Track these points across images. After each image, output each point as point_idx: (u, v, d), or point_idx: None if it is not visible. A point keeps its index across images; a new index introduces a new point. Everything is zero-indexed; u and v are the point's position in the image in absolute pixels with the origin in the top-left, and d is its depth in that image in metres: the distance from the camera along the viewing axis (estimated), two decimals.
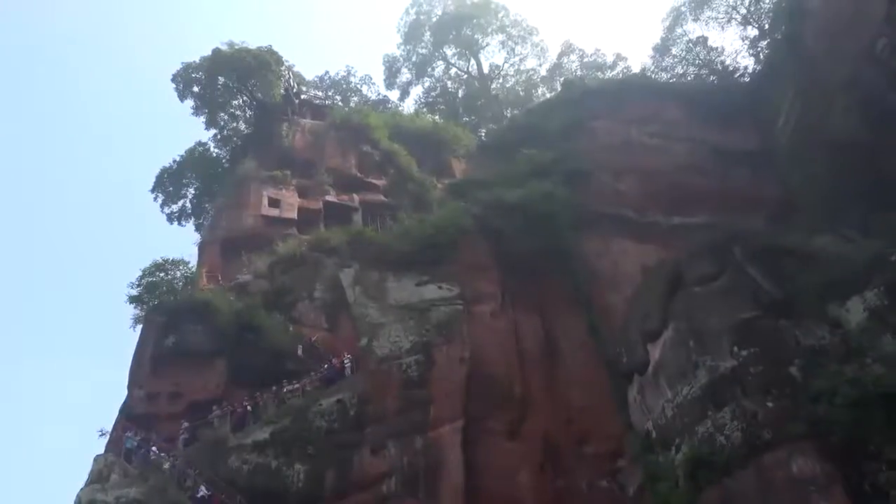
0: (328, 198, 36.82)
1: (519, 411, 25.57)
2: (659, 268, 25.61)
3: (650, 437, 22.58)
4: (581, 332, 28.48)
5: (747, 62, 41.83)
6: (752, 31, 42.25)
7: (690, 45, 45.13)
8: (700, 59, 44.46)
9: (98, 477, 23.80)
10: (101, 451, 25.53)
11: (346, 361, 26.42)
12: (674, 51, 45.60)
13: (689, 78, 43.62)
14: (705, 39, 44.99)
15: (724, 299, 21.88)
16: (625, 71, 53.36)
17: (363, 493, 23.08)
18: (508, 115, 53.74)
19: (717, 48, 44.61)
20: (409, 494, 23.03)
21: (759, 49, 40.62)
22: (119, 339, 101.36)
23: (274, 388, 25.94)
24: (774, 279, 21.96)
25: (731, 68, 42.56)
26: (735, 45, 53.96)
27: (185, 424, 25.44)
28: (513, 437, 25.11)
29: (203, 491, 22.55)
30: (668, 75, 44.64)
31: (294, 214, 35.43)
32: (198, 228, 43.27)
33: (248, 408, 25.39)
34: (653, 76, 44.35)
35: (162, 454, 24.31)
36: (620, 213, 31.49)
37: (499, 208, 29.73)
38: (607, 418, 25.75)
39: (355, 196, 37.47)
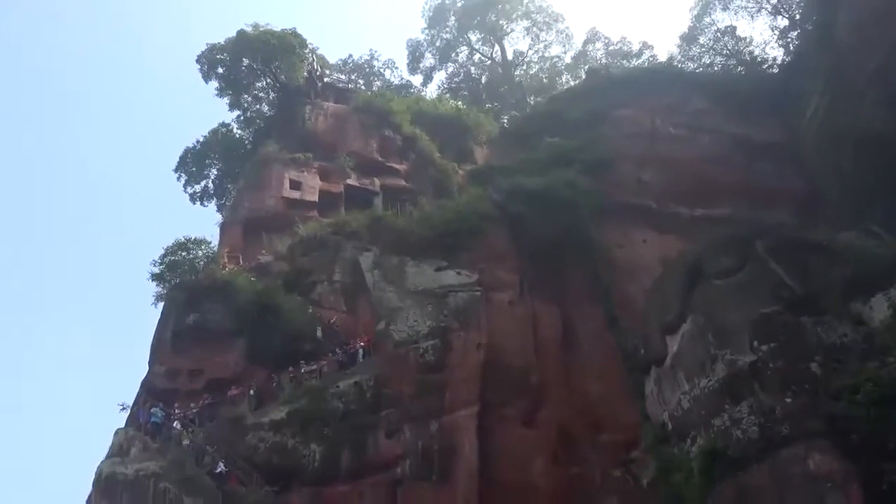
0: (349, 181, 36.92)
1: (534, 399, 25.62)
2: (679, 260, 25.39)
3: (666, 429, 22.53)
4: (599, 323, 28.43)
5: (776, 53, 41.26)
6: (783, 22, 41.59)
7: (718, 34, 44.50)
8: (728, 49, 43.82)
9: (118, 450, 24.30)
10: (122, 424, 26.03)
11: (359, 347, 26.56)
12: (701, 40, 44.98)
13: (716, 68, 43.04)
14: (734, 29, 44.38)
15: (745, 293, 21.67)
16: (651, 60, 52.74)
17: (378, 475, 23.32)
18: (531, 102, 53.40)
19: (745, 38, 44.01)
20: (423, 478, 23.22)
21: (788, 40, 39.98)
22: (141, 314, 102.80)
23: (291, 369, 26.18)
24: (797, 274, 21.69)
25: (759, 59, 41.95)
26: (764, 36, 53.27)
27: (201, 402, 25.76)
28: (528, 425, 25.20)
29: (221, 467, 22.92)
30: (695, 65, 44.07)
31: (315, 197, 35.58)
32: (220, 209, 43.63)
33: (252, 392, 25.54)
34: (679, 66, 43.82)
35: (182, 430, 24.68)
36: (642, 204, 31.27)
37: (520, 196, 29.63)
38: (623, 409, 25.73)
39: (376, 180, 37.54)
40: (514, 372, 25.66)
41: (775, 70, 38.87)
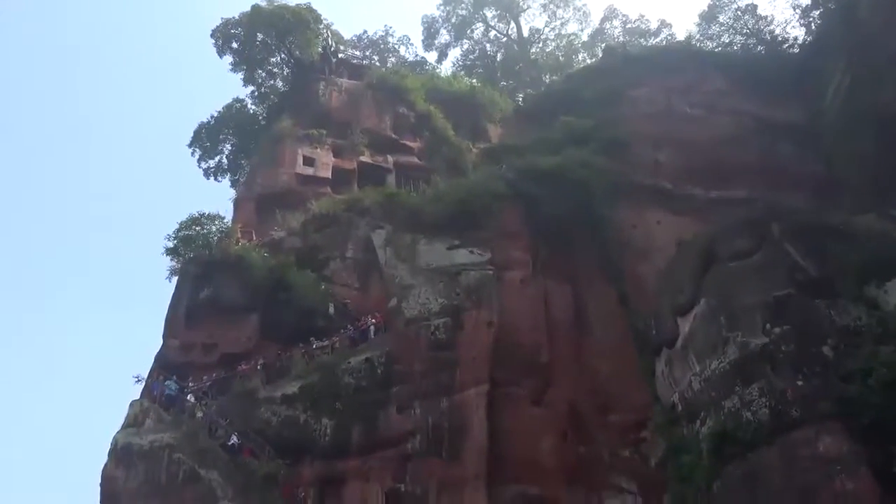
0: (362, 158, 36.86)
1: (544, 378, 25.70)
2: (694, 241, 25.25)
3: (676, 410, 22.58)
4: (611, 303, 28.39)
5: (797, 33, 40.42)
6: (805, 0, 40.71)
7: (738, 13, 43.69)
8: (748, 28, 43.04)
9: (133, 421, 24.68)
10: (137, 396, 26.38)
11: (370, 324, 26.69)
12: (721, 18, 44.19)
13: (735, 47, 42.32)
14: (754, 7, 43.51)
15: (759, 276, 21.56)
16: (669, 38, 52.00)
17: (388, 450, 23.57)
18: (547, 80, 52.90)
19: (766, 17, 43.11)
20: (432, 454, 23.46)
21: (810, 19, 39.14)
22: (156, 288, 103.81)
23: (302, 345, 26.37)
24: (812, 257, 21.54)
25: (780, 38, 41.15)
26: (785, 15, 52.12)
27: (215, 376, 26.06)
28: (537, 404, 25.30)
29: (234, 440, 23.23)
30: (714, 44, 43.35)
31: (328, 174, 35.58)
32: (233, 184, 43.76)
33: (260, 366, 25.74)
34: (698, 45, 43.12)
35: (196, 402, 25.00)
36: (657, 185, 31.01)
37: (534, 175, 29.48)
38: (633, 389, 25.78)
39: (389, 157, 37.45)
40: (524, 351, 25.72)
41: (796, 50, 38.19)
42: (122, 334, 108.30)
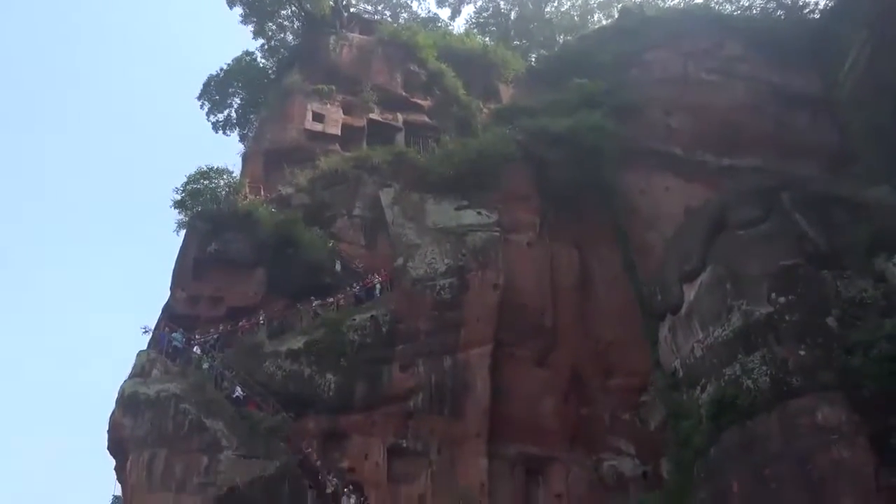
0: (372, 116, 36.45)
1: (548, 340, 25.90)
2: (703, 208, 25.17)
3: (677, 376, 22.81)
4: (616, 268, 28.47)
5: None
6: None
7: None
8: None
9: (140, 371, 24.98)
10: (144, 346, 26.68)
11: (376, 282, 26.81)
12: None
13: (754, 11, 41.31)
14: None
15: (767, 245, 21.54)
16: (687, 0, 50.80)
17: (391, 407, 23.89)
18: (561, 41, 51.89)
19: None
20: (434, 411, 23.80)
21: None
22: (164, 239, 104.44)
23: (311, 299, 26.49)
24: (821, 228, 21.48)
25: (800, 3, 40.16)
26: None
27: (221, 329, 26.28)
28: (540, 365, 25.57)
29: (238, 392, 23.53)
30: (733, 7, 42.34)
31: (337, 130, 35.22)
32: (242, 139, 43.44)
33: (262, 320, 26.00)
34: (716, 7, 42.18)
35: (203, 354, 25.27)
36: (669, 151, 30.78)
37: (544, 137, 29.23)
38: (635, 354, 26.02)
39: (399, 115, 37.01)
40: (529, 313, 25.87)
41: (816, 16, 37.31)
42: (131, 284, 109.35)
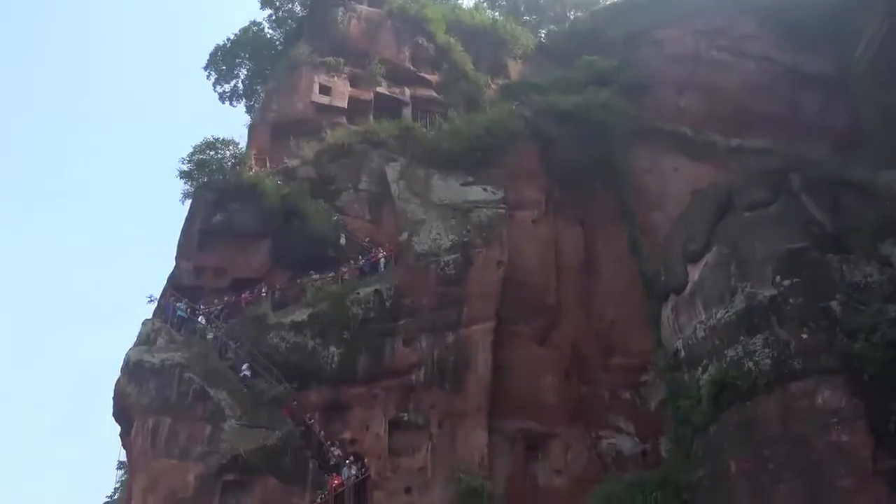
0: (379, 89, 36.20)
1: (550, 318, 25.97)
2: (710, 189, 25.06)
3: (678, 356, 22.86)
4: (621, 248, 28.42)
5: None
6: None
7: None
8: None
9: (146, 339, 25.16)
10: (150, 315, 26.84)
11: (381, 257, 26.84)
12: None
13: None
14: None
15: (774, 227, 21.47)
16: None
17: (393, 380, 24.07)
18: (571, 16, 51.26)
19: None
20: (436, 386, 23.97)
21: None
22: (170, 210, 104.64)
23: (313, 273, 26.56)
24: (829, 211, 21.40)
25: None
26: None
27: (226, 300, 26.40)
28: (542, 343, 25.67)
29: (245, 371, 23.66)
30: None
31: (344, 103, 35.03)
32: (248, 110, 43.22)
33: (263, 292, 26.07)
34: None
35: (207, 325, 25.41)
36: (678, 130, 30.53)
37: (552, 114, 29.03)
38: (637, 334, 26.09)
39: (406, 90, 36.75)
40: (532, 291, 25.90)
41: None
42: (137, 254, 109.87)
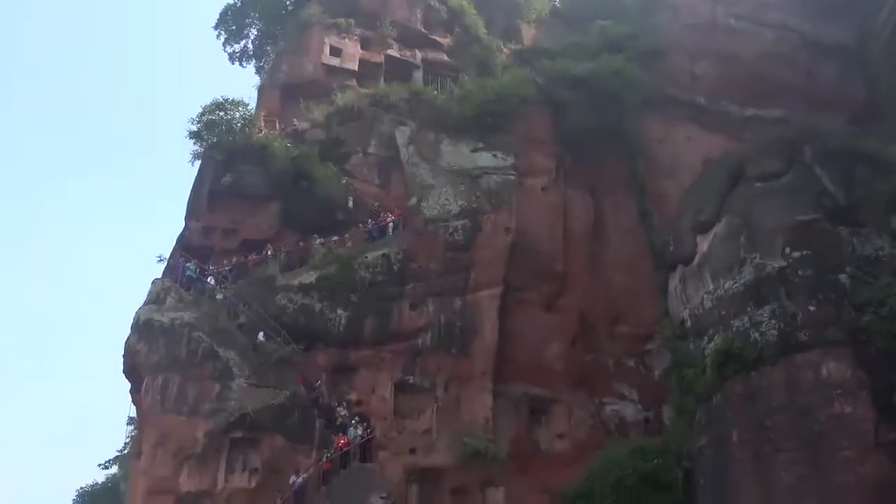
0: (390, 52, 35.78)
1: (557, 286, 26.01)
2: (723, 159, 24.83)
3: (684, 326, 22.93)
4: (631, 217, 28.30)
5: None
6: None
7: None
8: None
9: (155, 298, 25.37)
10: (159, 275, 27.04)
11: (389, 222, 26.84)
12: None
13: None
14: None
15: (785, 198, 21.32)
16: None
17: (399, 344, 24.27)
18: None
19: None
20: (442, 350, 24.15)
21: None
22: (179, 170, 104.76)
23: (318, 237, 26.60)
24: (842, 183, 21.20)
25: None
26: None
27: (235, 261, 26.53)
28: (548, 310, 25.75)
29: (261, 337, 23.84)
30: None
31: (355, 66, 34.70)
32: (258, 71, 42.84)
33: (269, 253, 26.13)
34: None
35: (216, 285, 25.58)
36: (691, 99, 30.09)
37: (565, 81, 28.65)
38: (644, 303, 26.13)
39: (418, 53, 36.33)
40: (540, 257, 25.91)
41: None
42: (146, 214, 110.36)
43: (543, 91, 28.96)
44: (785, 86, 29.77)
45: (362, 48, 35.26)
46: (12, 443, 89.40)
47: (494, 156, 27.26)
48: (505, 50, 36.83)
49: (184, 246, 27.40)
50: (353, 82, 33.78)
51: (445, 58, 36.69)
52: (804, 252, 19.94)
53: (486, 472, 22.27)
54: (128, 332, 24.82)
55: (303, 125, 31.00)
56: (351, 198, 28.23)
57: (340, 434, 22.34)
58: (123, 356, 24.95)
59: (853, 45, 30.66)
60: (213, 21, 43.89)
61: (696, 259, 22.93)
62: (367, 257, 25.23)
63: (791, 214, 20.71)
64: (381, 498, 20.81)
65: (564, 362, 24.95)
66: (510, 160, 27.12)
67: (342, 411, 23.11)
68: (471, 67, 34.73)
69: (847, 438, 17.15)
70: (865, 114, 29.08)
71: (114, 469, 42.78)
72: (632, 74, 28.36)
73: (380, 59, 35.32)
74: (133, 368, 24.62)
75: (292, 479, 21.25)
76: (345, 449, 21.86)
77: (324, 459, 21.72)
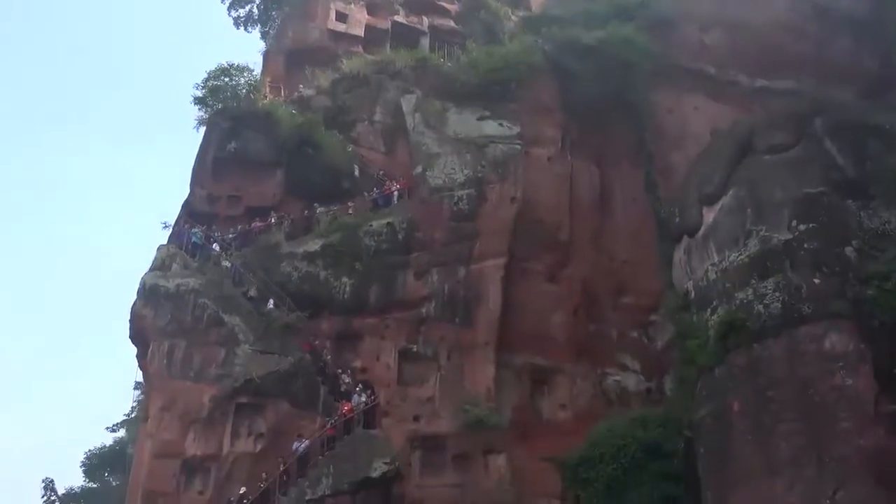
0: (397, 18, 35.41)
1: (562, 256, 25.99)
2: (731, 130, 24.55)
3: (688, 297, 22.93)
4: (637, 188, 28.18)
5: None
6: None
7: None
8: None
9: (161, 265, 25.48)
10: (165, 241, 27.09)
11: (394, 190, 26.76)
12: None
13: None
14: None
15: (793, 171, 21.13)
16: None
17: (403, 312, 24.36)
18: None
19: None
20: (446, 319, 24.22)
21: None
22: (184, 136, 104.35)
23: (318, 206, 26.54)
24: (852, 156, 20.98)
25: None
26: None
27: (240, 228, 26.55)
28: (552, 280, 25.75)
29: (270, 306, 23.94)
30: None
31: (361, 32, 34.38)
32: (263, 36, 42.47)
33: (273, 220, 26.03)
34: None
35: (222, 252, 25.65)
36: (701, 69, 29.68)
37: (573, 49, 28.28)
38: (648, 274, 26.14)
39: (425, 19, 35.92)
40: (545, 228, 25.85)
41: None
42: (151, 180, 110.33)
43: (551, 59, 28.62)
44: (796, 56, 29.33)
45: (368, 14, 34.92)
46: (22, 406, 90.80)
47: (500, 125, 27.06)
48: (513, 17, 36.37)
49: (189, 212, 27.43)
50: (359, 48, 33.51)
51: (452, 24, 36.31)
52: (811, 225, 19.83)
53: (487, 440, 22.48)
54: (134, 297, 24.97)
55: (308, 92, 30.81)
56: (357, 166, 28.14)
57: (344, 401, 22.58)
58: (129, 321, 25.12)
59: (867, 16, 30.07)
60: None
61: (702, 231, 22.83)
62: (371, 226, 25.23)
63: (799, 187, 20.55)
64: (384, 463, 21.11)
65: (567, 333, 25.03)
66: (516, 129, 26.92)
67: (346, 378, 23.33)
68: (478, 34, 34.35)
69: (847, 410, 17.21)
70: (878, 86, 28.68)
71: (121, 432, 43.43)
72: (641, 43, 28.01)
73: (386, 25, 34.97)
74: (139, 333, 24.84)
75: (295, 444, 21.53)
76: (348, 416, 22.11)
77: (328, 426, 21.94)
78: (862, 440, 16.87)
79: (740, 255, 20.79)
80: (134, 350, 25.86)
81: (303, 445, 21.42)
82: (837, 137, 21.48)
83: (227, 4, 43.65)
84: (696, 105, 29.30)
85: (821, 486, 16.85)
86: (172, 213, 28.11)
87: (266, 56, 34.38)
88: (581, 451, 22.19)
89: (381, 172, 28.06)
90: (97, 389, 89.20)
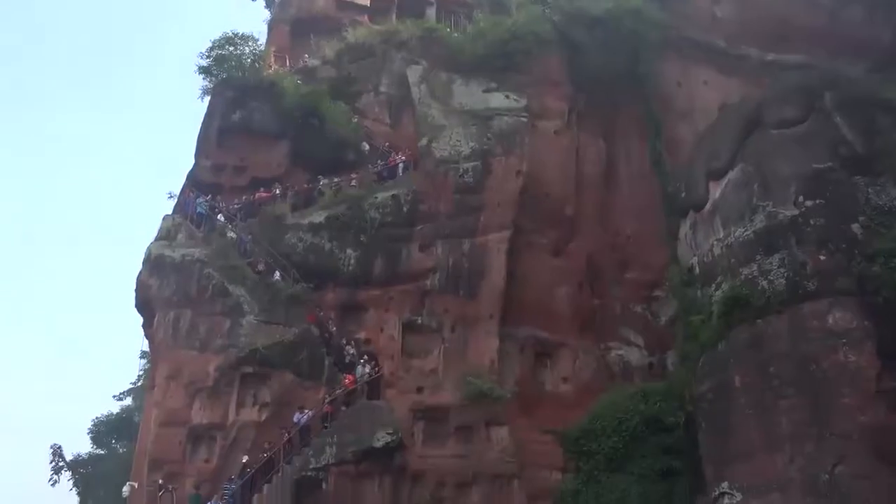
0: None
1: (567, 230, 25.96)
2: (740, 104, 24.29)
3: (693, 273, 22.94)
4: (643, 162, 28.02)
5: None
6: None
7: None
8: None
9: (166, 234, 25.51)
10: (170, 211, 27.11)
11: (399, 162, 26.64)
12: None
13: None
14: None
15: (802, 146, 20.95)
16: None
17: (408, 284, 24.40)
18: None
19: None
20: (450, 291, 24.27)
21: None
22: (189, 106, 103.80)
23: (322, 178, 26.44)
24: (862, 132, 20.76)
25: None
26: None
27: (245, 198, 26.49)
28: (557, 254, 25.75)
29: (276, 278, 23.99)
30: None
31: (367, 1, 33.83)
32: (268, 5, 41.99)
33: (277, 191, 26.03)
34: None
35: (227, 223, 25.64)
36: (710, 42, 29.29)
37: (581, 20, 27.92)
38: (653, 249, 26.09)
39: None
40: (550, 201, 25.77)
41: None
42: (156, 150, 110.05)
43: (559, 30, 28.28)
44: (807, 30, 28.86)
45: None
46: (28, 372, 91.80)
47: (507, 97, 26.82)
48: None
49: (194, 183, 27.36)
50: (365, 18, 33.08)
51: None
52: (817, 201, 19.72)
53: (490, 412, 22.67)
54: (139, 267, 25.05)
55: (313, 62, 30.51)
56: (364, 141, 27.96)
57: (347, 373, 22.73)
58: (135, 290, 25.22)
59: None
60: None
61: (708, 205, 22.74)
62: (376, 198, 25.15)
63: (807, 162, 20.39)
64: (387, 433, 21.33)
65: (571, 306, 25.09)
66: (523, 102, 26.69)
67: (351, 349, 23.47)
68: (485, 4, 33.84)
69: (848, 386, 17.29)
70: (891, 61, 28.22)
71: (128, 400, 43.93)
72: (650, 15, 27.63)
73: None
74: (145, 302, 24.96)
75: (296, 416, 21.66)
76: (352, 386, 22.28)
77: (330, 398, 22.08)
78: (863, 416, 16.97)
79: (746, 230, 20.72)
80: (140, 319, 26.02)
81: (304, 417, 21.58)
82: (847, 112, 21.25)
83: None
84: (705, 79, 29.02)
85: (820, 461, 16.99)
86: (178, 183, 28.09)
87: (271, 25, 33.96)
88: (583, 424, 22.40)
89: (387, 144, 27.91)
90: (105, 358, 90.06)
